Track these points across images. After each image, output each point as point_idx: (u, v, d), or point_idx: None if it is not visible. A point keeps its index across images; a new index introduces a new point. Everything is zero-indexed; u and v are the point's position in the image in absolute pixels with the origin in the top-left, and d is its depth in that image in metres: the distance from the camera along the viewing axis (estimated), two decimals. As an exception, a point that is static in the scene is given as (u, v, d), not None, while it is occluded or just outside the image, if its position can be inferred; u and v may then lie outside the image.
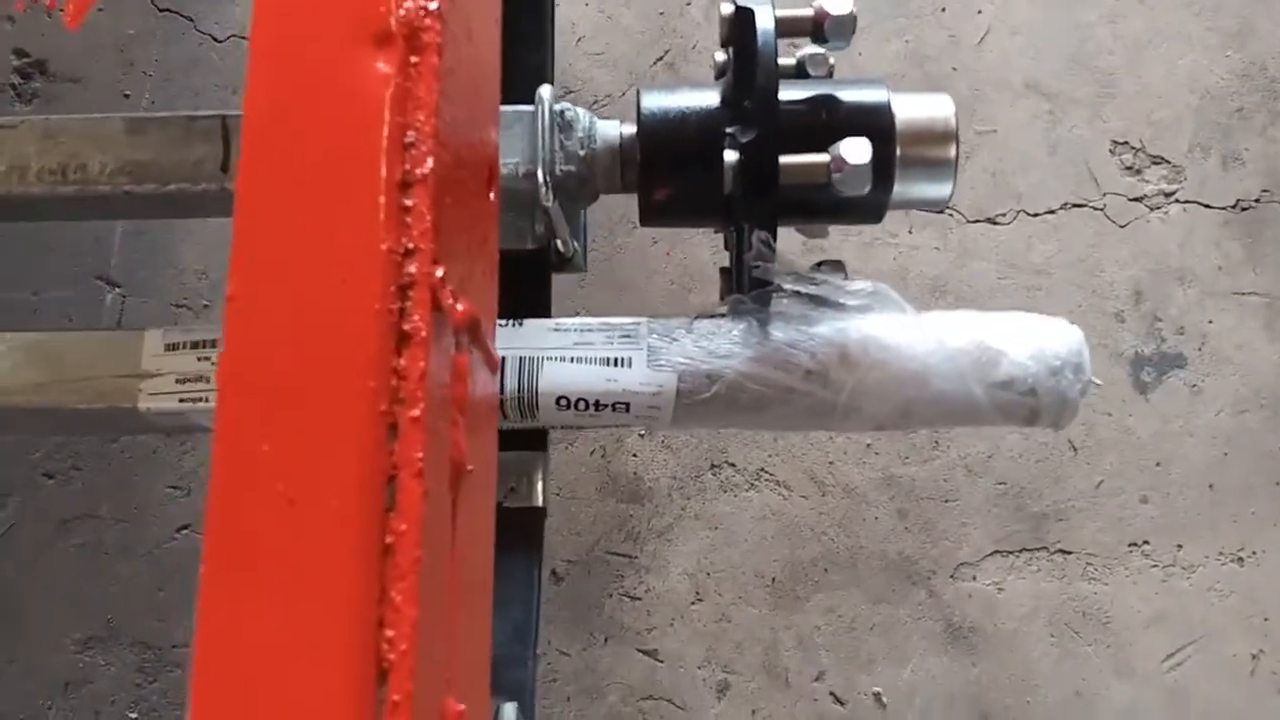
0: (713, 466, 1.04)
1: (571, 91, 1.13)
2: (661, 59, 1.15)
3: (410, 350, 0.36)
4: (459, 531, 0.40)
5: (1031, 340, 0.63)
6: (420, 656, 0.33)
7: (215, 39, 1.17)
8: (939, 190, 0.66)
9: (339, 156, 0.38)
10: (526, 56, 0.76)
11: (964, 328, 0.63)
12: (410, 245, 0.37)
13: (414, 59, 0.39)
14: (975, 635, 1.01)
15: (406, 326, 0.36)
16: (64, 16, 1.24)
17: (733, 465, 1.04)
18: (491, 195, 0.48)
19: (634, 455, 1.04)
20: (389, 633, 0.33)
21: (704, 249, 1.08)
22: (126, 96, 1.16)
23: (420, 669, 0.33)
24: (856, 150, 0.59)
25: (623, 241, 1.08)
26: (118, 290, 1.11)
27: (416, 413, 0.35)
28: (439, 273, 0.37)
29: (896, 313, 0.64)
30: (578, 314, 1.07)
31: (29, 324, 1.10)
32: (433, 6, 0.39)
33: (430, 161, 0.38)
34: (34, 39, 1.17)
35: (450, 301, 0.38)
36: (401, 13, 0.39)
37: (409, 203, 0.37)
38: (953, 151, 0.65)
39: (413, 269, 0.37)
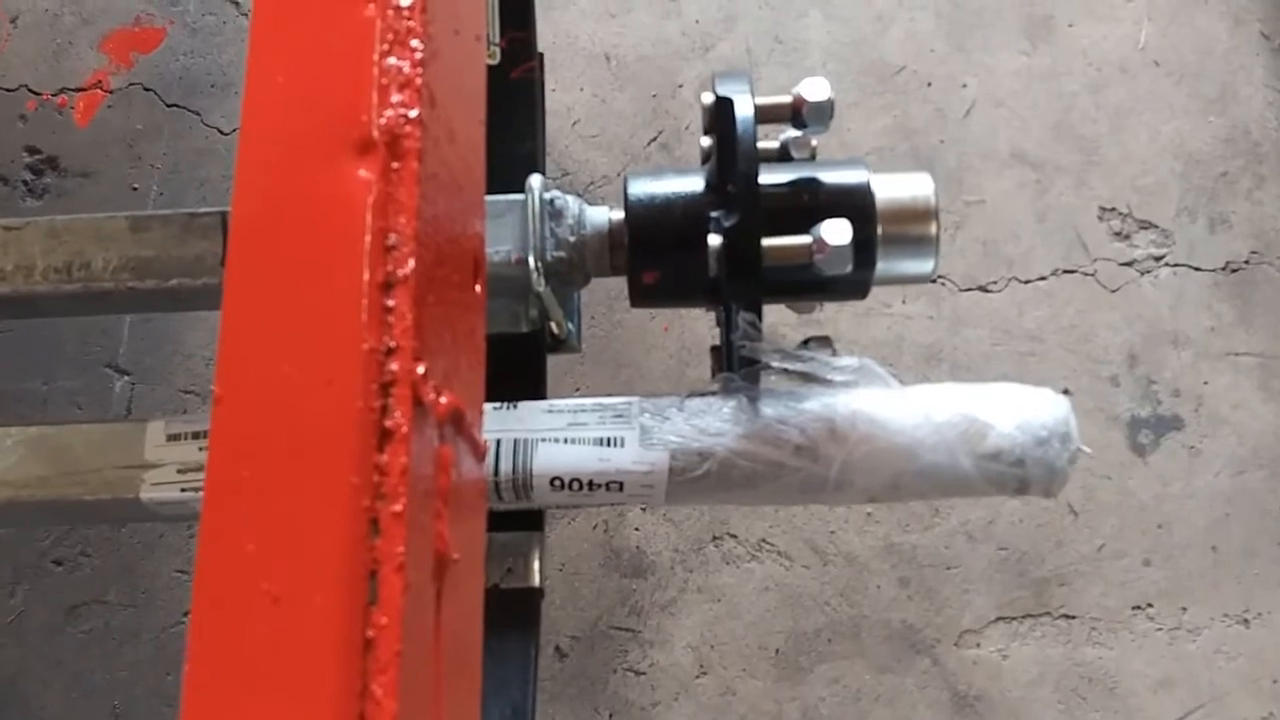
0: (714, 538, 1.04)
1: (568, 174, 1.15)
2: (655, 139, 1.17)
3: (392, 446, 0.37)
4: (444, 620, 0.41)
5: (1018, 411, 0.64)
6: (402, 750, 0.34)
7: (222, 132, 1.20)
8: (921, 266, 0.67)
9: (323, 259, 0.39)
10: (517, 146, 0.78)
11: (950, 400, 0.64)
12: (392, 344, 0.38)
13: (395, 165, 0.41)
14: (981, 703, 1.00)
15: (388, 423, 0.37)
16: (74, 114, 1.28)
17: (734, 536, 1.04)
18: (478, 287, 0.49)
19: (636, 529, 1.05)
20: (371, 726, 0.33)
21: (702, 324, 1.09)
22: (135, 189, 1.19)
23: (402, 762, 0.34)
24: (837, 232, 0.61)
25: (621, 318, 1.10)
26: (127, 378, 1.12)
27: (398, 508, 0.36)
28: (420, 370, 0.38)
29: (882, 387, 0.65)
30: (576, 390, 1.09)
31: (39, 413, 1.11)
32: (413, 114, 0.41)
33: (412, 263, 0.39)
34: (45, 136, 1.21)
35: (433, 397, 0.39)
36: (383, 121, 0.41)
37: (391, 303, 0.39)
38: (933, 229, 0.66)
39: (394, 367, 0.38)
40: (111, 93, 1.22)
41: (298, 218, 0.39)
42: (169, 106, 1.22)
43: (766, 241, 0.61)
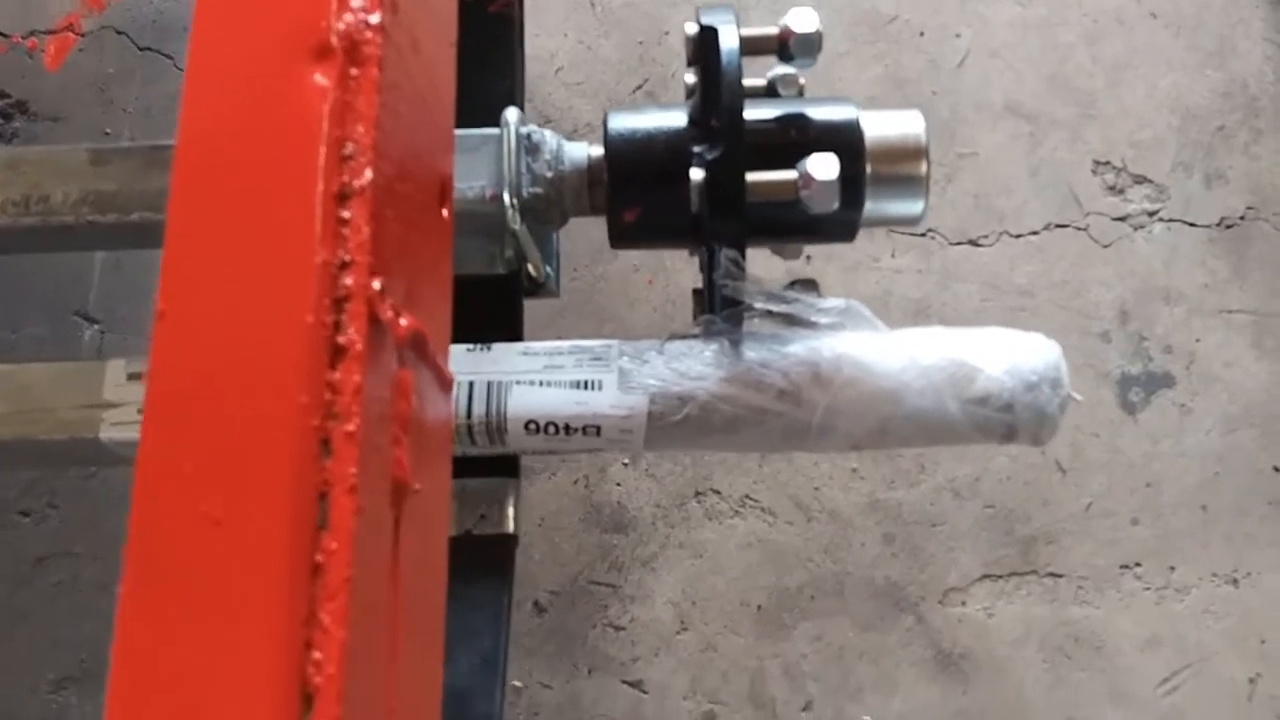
0: (697, 494, 1.02)
1: (550, 121, 1.12)
2: (640, 87, 1.15)
3: (345, 364, 0.35)
4: (403, 553, 0.39)
5: (1007, 355, 0.62)
6: (350, 681, 0.32)
7: (195, 75, 1.16)
8: (911, 207, 0.65)
9: (276, 169, 0.37)
10: (494, 83, 0.75)
11: (938, 344, 0.62)
12: (346, 258, 0.36)
13: (354, 71, 0.38)
14: (965, 662, 0.99)
15: (341, 340, 0.35)
16: (44, 57, 1.24)
17: (717, 492, 1.02)
18: (444, 212, 0.47)
19: (617, 484, 1.03)
20: (316, 655, 0.32)
21: (686, 276, 1.07)
22: (107, 134, 1.16)
23: (350, 694, 0.32)
24: (824, 166, 0.59)
25: (604, 270, 1.08)
26: (96, 326, 1.10)
27: (351, 428, 0.34)
28: (376, 285, 0.36)
29: (869, 330, 0.63)
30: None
31: (5, 361, 1.09)
32: (374, 20, 0.39)
33: (369, 173, 0.37)
34: (15, 80, 1.18)
35: (391, 315, 0.37)
36: (341, 26, 0.38)
37: (346, 215, 0.36)
38: (923, 168, 0.64)
39: (349, 281, 0.36)
40: (83, 36, 1.19)
41: (250, 126, 0.37)
42: (141, 50, 1.18)
43: (751, 176, 0.59)
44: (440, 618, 0.45)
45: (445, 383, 0.44)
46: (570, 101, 1.14)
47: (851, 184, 0.61)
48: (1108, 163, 1.11)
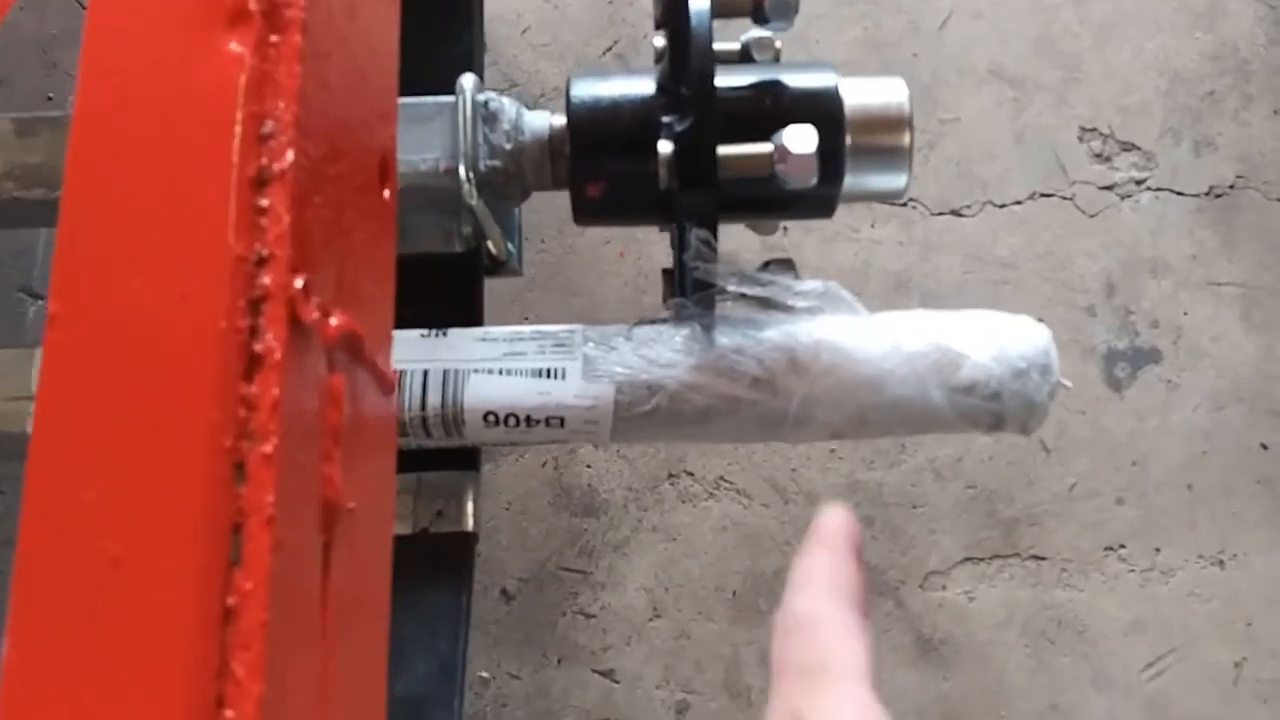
0: (670, 476, 0.99)
1: (516, 85, 1.07)
2: (610, 49, 1.10)
3: (262, 375, 0.31)
4: (335, 583, 0.35)
5: (994, 341, 0.59)
6: (266, 740, 0.28)
7: (141, 36, 1.11)
8: (893, 181, 0.61)
9: (183, 151, 0.33)
10: (451, 44, 0.71)
11: (921, 329, 0.59)
12: (264, 252, 0.32)
13: (274, 38, 0.34)
14: (946, 647, 0.96)
15: (257, 347, 0.31)
16: (-19, 15, 1.18)
17: (691, 474, 0.99)
18: (386, 192, 0.43)
19: (588, 466, 0.99)
20: (229, 713, 0.28)
21: (659, 248, 1.03)
22: (50, 99, 1.10)
23: (266, 756, 0.28)
24: (801, 138, 0.55)
25: (573, 242, 1.04)
26: (41, 302, 1.05)
27: (268, 449, 0.30)
28: (299, 283, 0.32)
29: (849, 314, 0.59)
30: (525, 320, 1.03)
31: (-56, 340, 1.04)
32: (295, -22, 0.34)
33: (290, 155, 0.33)
34: (-50, 40, 1.11)
35: (317, 316, 0.33)
36: (258, -15, 0.34)
37: (263, 203, 0.32)
38: (907, 139, 0.60)
39: (266, 280, 0.31)
40: (23, -6, 1.13)
41: (154, 101, 0.33)
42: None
43: (723, 150, 0.55)
44: (382, 645, 0.41)
45: (386, 384, 0.40)
46: (537, 64, 1.09)
47: (830, 157, 0.57)
48: (1094, 129, 1.08)
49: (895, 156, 0.61)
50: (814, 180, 0.55)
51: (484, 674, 0.94)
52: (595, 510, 0.98)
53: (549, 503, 0.99)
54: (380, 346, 0.40)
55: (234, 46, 0.33)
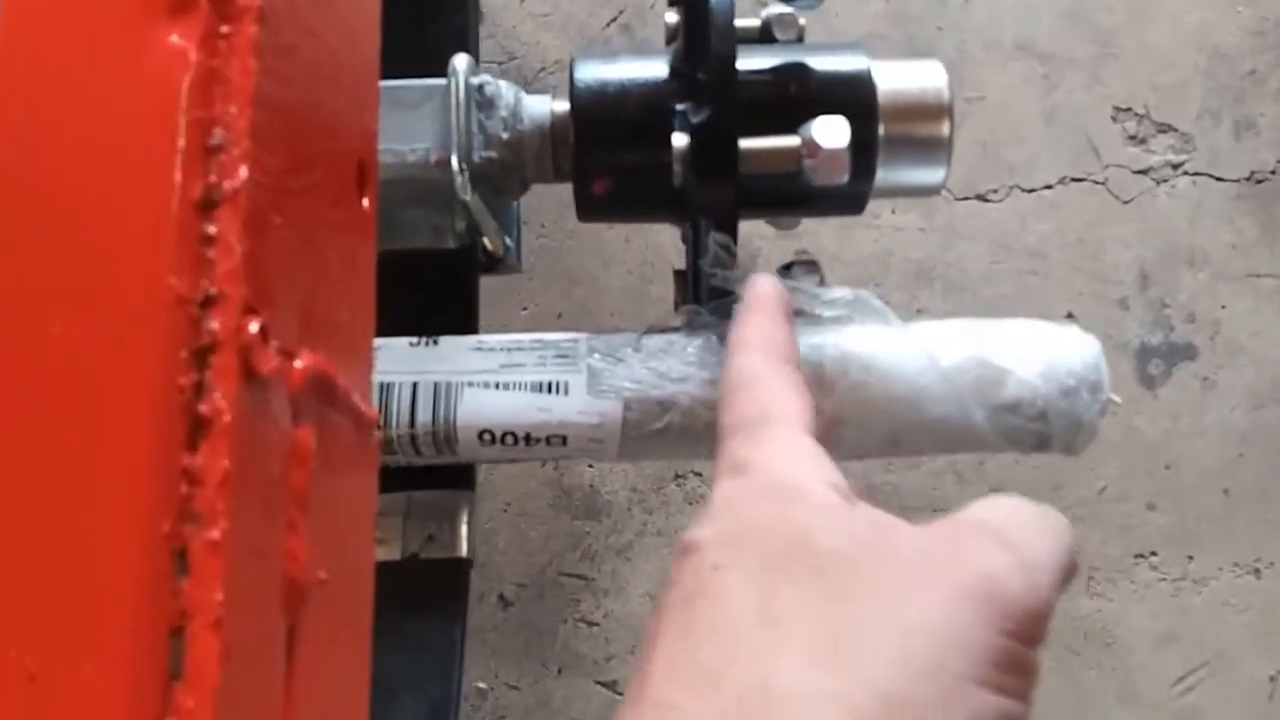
0: (677, 477, 0.94)
1: (515, 58, 1.02)
2: (615, 20, 1.04)
3: (208, 442, 0.26)
4: (304, 664, 0.30)
5: (1040, 354, 0.54)
6: None
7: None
8: (931, 175, 0.56)
9: (114, 169, 0.27)
10: (443, 19, 0.65)
11: (960, 341, 0.54)
12: (212, 290, 0.26)
13: (224, 29, 0.28)
14: (968, 659, 0.92)
15: (203, 408, 0.26)
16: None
17: (699, 474, 0.94)
18: (365, 201, 0.37)
19: (590, 466, 0.95)
20: None
21: (667, 234, 0.98)
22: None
23: None
24: (832, 132, 0.49)
25: (575, 227, 0.98)
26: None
27: (215, 535, 0.25)
28: (254, 326, 0.27)
29: (881, 324, 0.54)
30: (524, 311, 0.97)
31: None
32: (251, -44, 0.29)
33: (244, 170, 0.27)
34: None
35: (276, 363, 0.28)
36: (204, -37, 0.28)
37: (211, 230, 0.27)
38: (946, 129, 0.55)
39: (215, 324, 0.26)
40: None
41: (80, 106, 0.27)
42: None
43: (745, 143, 0.50)
44: (362, 713, 0.36)
45: (365, 422, 0.35)
46: (537, 36, 1.03)
47: (862, 149, 0.52)
48: (1128, 109, 1.02)
49: (933, 148, 0.56)
50: (846, 177, 0.50)
51: (481, 685, 0.90)
52: (598, 512, 0.94)
53: (549, 504, 0.94)
54: (358, 379, 0.35)
55: (175, 40, 0.28)
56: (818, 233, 0.97)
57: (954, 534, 0.34)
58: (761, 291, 0.43)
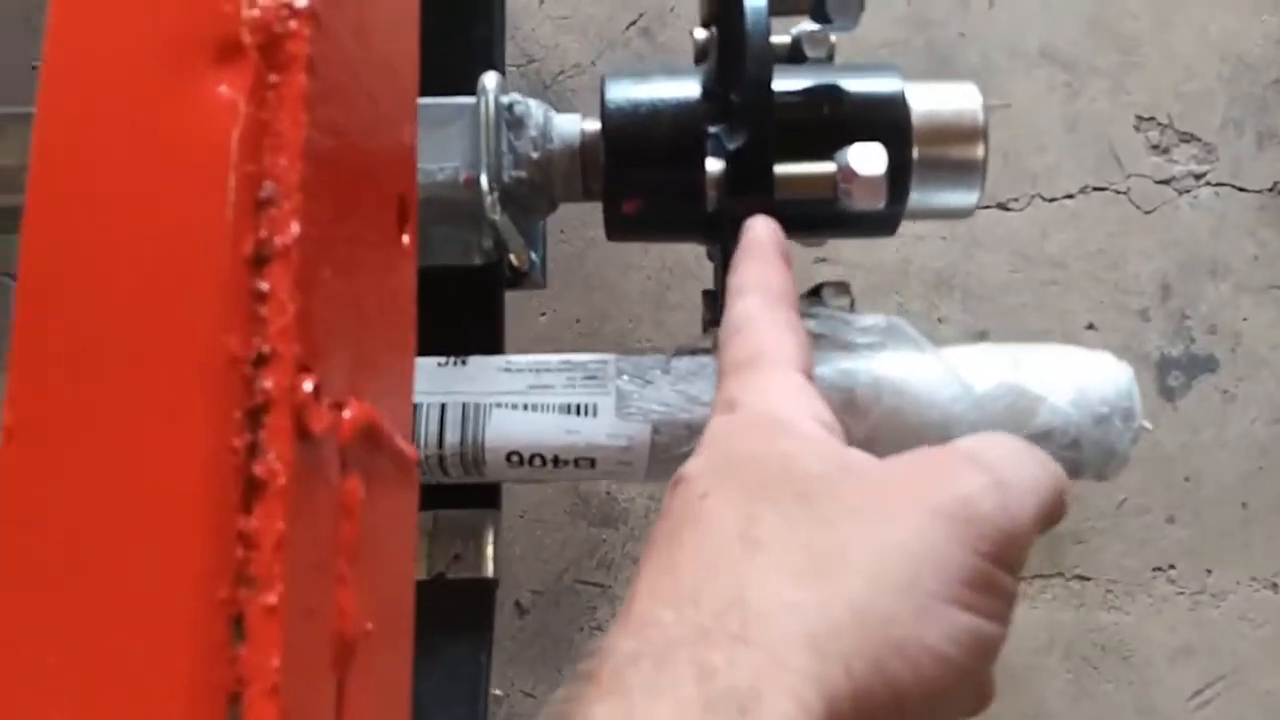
0: (694, 484, 0.94)
1: (534, 61, 1.01)
2: (635, 23, 1.03)
3: (263, 504, 0.25)
4: (350, 715, 0.29)
5: (1073, 382, 0.53)
6: None
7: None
8: (964, 198, 0.56)
9: (162, 226, 0.27)
10: (468, 32, 0.64)
11: (993, 368, 0.53)
12: (265, 349, 0.26)
13: (273, 78, 0.28)
14: (984, 671, 0.92)
15: (258, 470, 0.25)
16: (-39, -23, 1.11)
17: (717, 483, 0.94)
18: (405, 238, 0.37)
19: (607, 473, 0.95)
20: None
21: (685, 239, 0.97)
22: (34, 69, 1.04)
23: None
24: (869, 158, 0.49)
25: (595, 234, 0.97)
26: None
27: (272, 598, 0.25)
28: (308, 386, 0.26)
29: (913, 351, 0.54)
30: (542, 316, 0.97)
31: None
32: (301, 4, 0.28)
33: (295, 226, 0.27)
34: (-73, 5, 1.05)
35: (329, 419, 0.27)
36: (255, 14, 0.28)
37: (264, 286, 0.26)
38: (981, 151, 0.55)
39: (268, 384, 0.26)
40: (6, -43, 1.06)
41: (126, 162, 0.27)
42: (73, -29, 1.05)
43: (780, 169, 0.50)
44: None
45: (406, 463, 0.35)
46: (557, 39, 1.02)
47: (897, 172, 0.52)
48: (1151, 118, 1.01)
49: (967, 171, 0.55)
50: (882, 203, 0.50)
51: (497, 692, 0.90)
52: (614, 520, 0.94)
53: (565, 511, 0.94)
54: (400, 419, 0.34)
55: (224, 90, 0.27)
56: (838, 242, 0.96)
57: (935, 458, 0.35)
58: (758, 235, 0.44)
